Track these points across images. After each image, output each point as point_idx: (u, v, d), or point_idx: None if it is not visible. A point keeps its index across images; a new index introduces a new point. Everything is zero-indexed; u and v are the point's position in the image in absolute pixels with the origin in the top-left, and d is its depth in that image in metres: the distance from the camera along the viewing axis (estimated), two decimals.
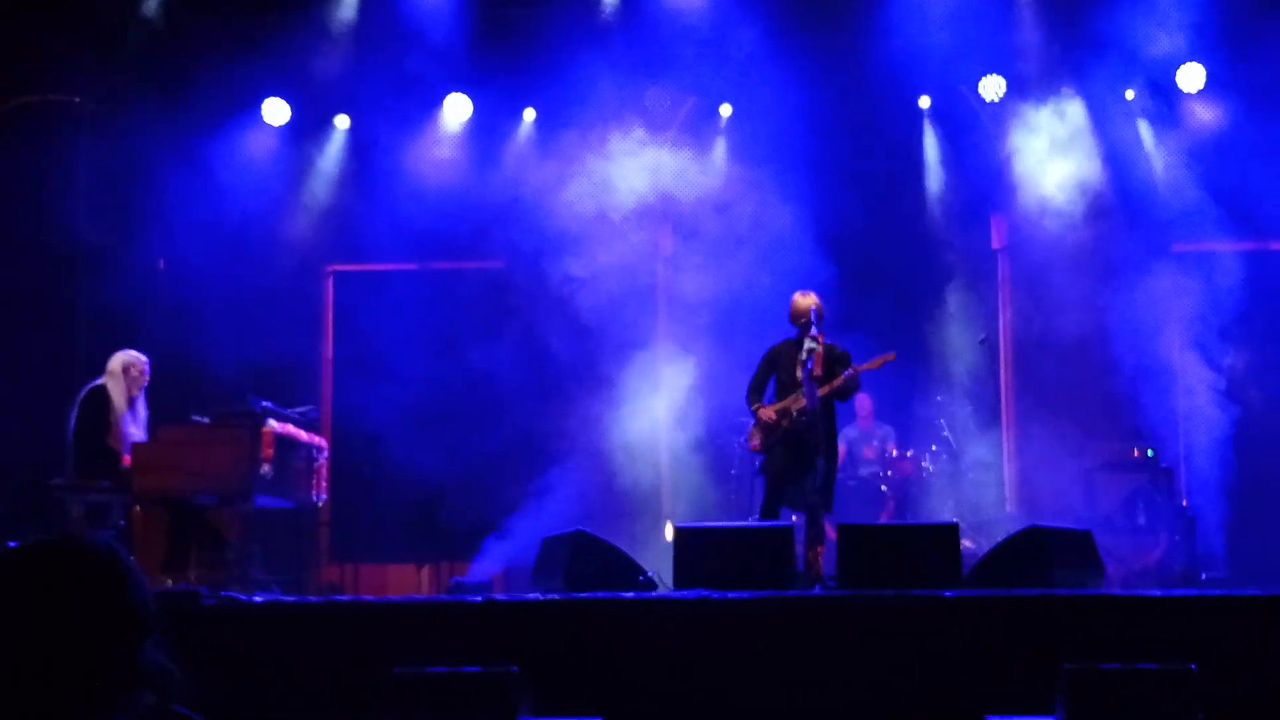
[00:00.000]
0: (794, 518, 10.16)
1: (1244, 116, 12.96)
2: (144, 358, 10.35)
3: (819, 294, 10.31)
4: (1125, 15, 12.67)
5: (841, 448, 13.08)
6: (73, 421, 10.12)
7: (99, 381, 10.20)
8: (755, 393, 10.44)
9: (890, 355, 10.44)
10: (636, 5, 13.41)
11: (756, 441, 10.39)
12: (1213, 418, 12.75)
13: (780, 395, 10.33)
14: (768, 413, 10.23)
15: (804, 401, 9.90)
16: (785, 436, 10.13)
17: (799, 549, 9.44)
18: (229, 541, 9.93)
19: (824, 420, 10.00)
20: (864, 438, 13.41)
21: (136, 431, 10.19)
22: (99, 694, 2.36)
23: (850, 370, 10.00)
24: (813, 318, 9.96)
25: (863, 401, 13.41)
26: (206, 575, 9.45)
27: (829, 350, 10.03)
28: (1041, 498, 13.10)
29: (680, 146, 13.72)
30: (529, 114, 14.05)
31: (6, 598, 2.33)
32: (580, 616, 7.49)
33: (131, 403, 10.21)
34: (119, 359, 10.25)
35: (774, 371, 10.39)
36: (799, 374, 10.03)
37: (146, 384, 10.35)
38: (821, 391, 9.89)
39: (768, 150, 13.16)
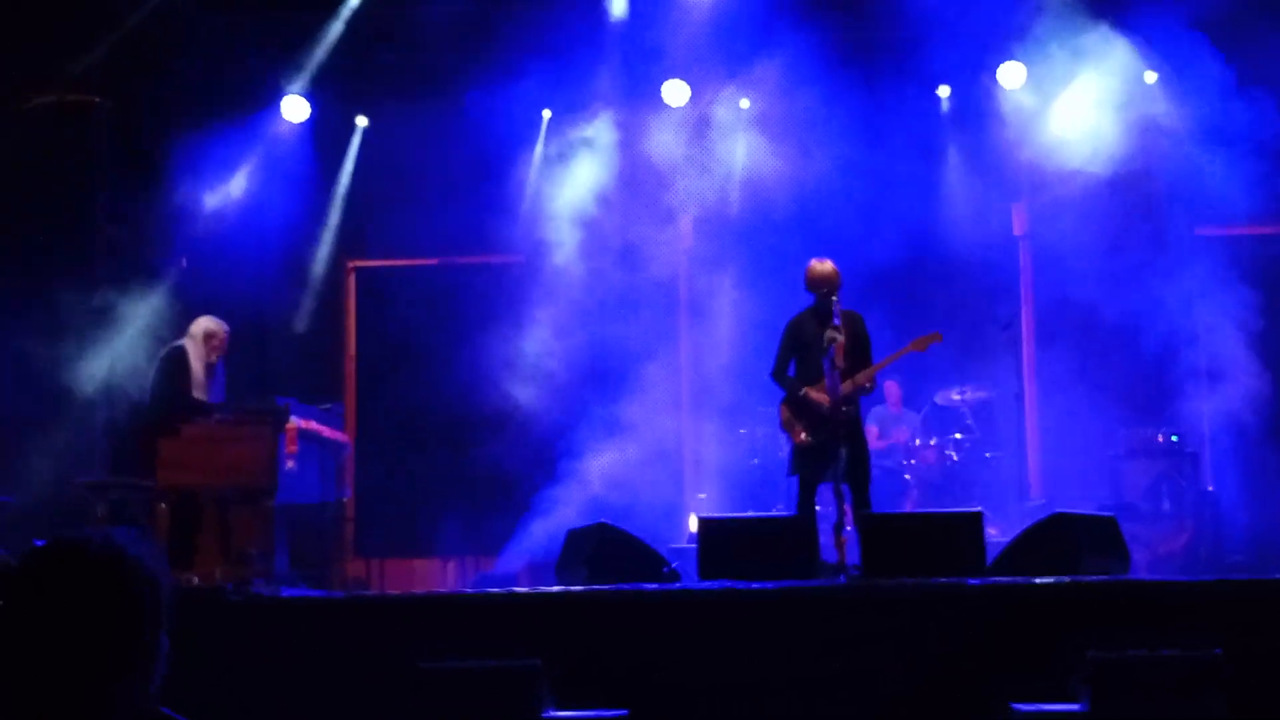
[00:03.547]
0: (817, 508, 10.03)
1: (1266, 99, 12.88)
2: (225, 327, 10.50)
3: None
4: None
5: (874, 428, 12.96)
6: (152, 381, 10.27)
7: (179, 343, 10.32)
8: (783, 371, 9.89)
9: (936, 336, 10.08)
10: None
11: (803, 434, 9.76)
12: (1237, 402, 12.69)
13: (804, 373, 9.82)
14: (821, 395, 9.59)
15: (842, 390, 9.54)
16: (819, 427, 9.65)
17: (826, 538, 9.35)
18: (254, 538, 9.95)
19: (849, 403, 9.75)
20: (893, 420, 13.39)
21: (215, 393, 10.33)
22: (114, 689, 2.39)
23: (884, 361, 9.88)
24: (832, 304, 9.58)
25: (891, 389, 13.38)
26: (231, 571, 9.47)
27: (851, 323, 9.71)
28: (1066, 484, 13.08)
29: (700, 140, 13.72)
30: (546, 112, 14.05)
31: (26, 596, 2.38)
32: (604, 609, 7.50)
33: (210, 370, 10.32)
34: (201, 324, 10.42)
35: (797, 348, 9.86)
36: (824, 361, 9.55)
37: (224, 353, 10.49)
38: (846, 388, 9.56)
39: (787, 142, 13.16)
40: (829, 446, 9.48)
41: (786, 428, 9.99)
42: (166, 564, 2.54)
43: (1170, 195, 13.20)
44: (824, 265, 9.73)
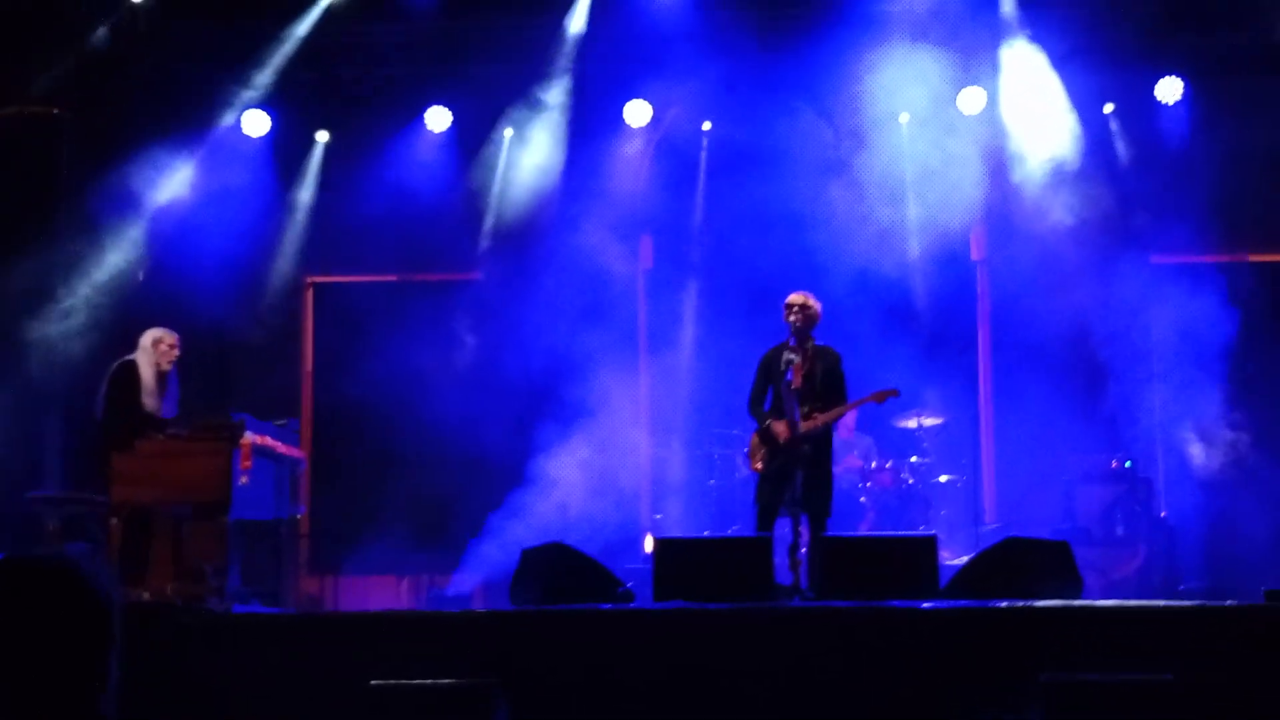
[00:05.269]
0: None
1: (1221, 128, 12.99)
2: (175, 334, 10.49)
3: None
4: (1104, 27, 12.72)
5: None
6: (102, 396, 10.21)
7: (129, 358, 10.28)
8: (757, 404, 10.03)
9: (893, 391, 10.32)
10: (617, 17, 13.39)
11: (759, 463, 9.92)
12: (1192, 429, 12.76)
13: (776, 404, 9.95)
14: (782, 428, 9.74)
15: (800, 424, 9.63)
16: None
17: (781, 560, 9.38)
18: (207, 554, 9.89)
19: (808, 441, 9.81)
20: (845, 448, 13.39)
21: (167, 406, 10.28)
22: (68, 708, 2.37)
23: (843, 408, 10.02)
24: (794, 328, 9.77)
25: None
26: (184, 588, 9.42)
27: (819, 357, 9.86)
28: (1020, 509, 13.11)
29: (661, 159, 13.74)
30: (508, 130, 14.03)
31: None
32: (558, 629, 7.49)
33: (163, 378, 10.28)
34: (149, 334, 10.42)
35: (770, 381, 9.99)
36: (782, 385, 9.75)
37: (177, 360, 10.48)
38: (805, 426, 9.64)
39: (748, 164, 13.18)
40: (785, 473, 9.58)
41: (750, 456, 10.14)
42: (118, 582, 2.52)
43: (1127, 222, 13.29)
44: (795, 298, 9.90)
